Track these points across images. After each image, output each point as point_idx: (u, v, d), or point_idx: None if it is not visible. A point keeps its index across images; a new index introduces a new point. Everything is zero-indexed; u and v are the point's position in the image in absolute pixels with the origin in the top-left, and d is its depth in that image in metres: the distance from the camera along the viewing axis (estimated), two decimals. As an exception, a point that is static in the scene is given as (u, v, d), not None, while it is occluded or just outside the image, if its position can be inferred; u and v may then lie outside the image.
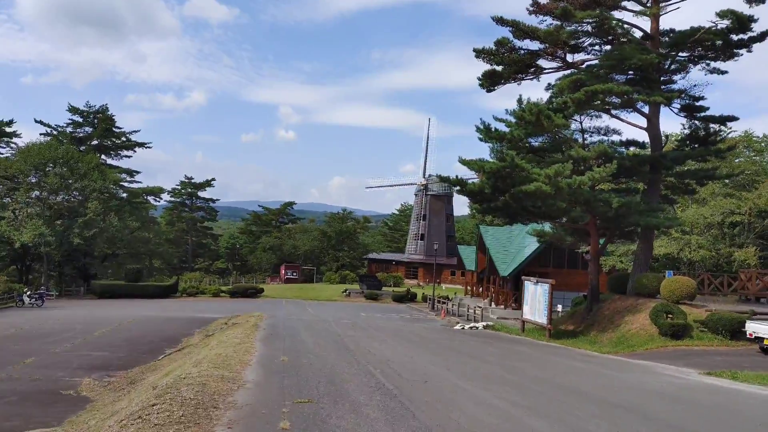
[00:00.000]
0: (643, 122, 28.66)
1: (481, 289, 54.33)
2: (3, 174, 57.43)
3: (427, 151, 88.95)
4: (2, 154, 63.82)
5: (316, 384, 11.15)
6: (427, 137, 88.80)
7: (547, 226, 34.48)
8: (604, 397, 11.62)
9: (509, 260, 44.94)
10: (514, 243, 47.77)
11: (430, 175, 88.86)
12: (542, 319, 27.57)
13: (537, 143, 29.77)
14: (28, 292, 47.97)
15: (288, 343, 18.52)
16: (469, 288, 59.34)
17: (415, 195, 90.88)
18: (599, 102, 26.06)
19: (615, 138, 29.75)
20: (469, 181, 29.57)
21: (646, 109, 28.39)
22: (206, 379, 10.77)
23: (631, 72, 26.98)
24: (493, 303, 47.16)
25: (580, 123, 28.99)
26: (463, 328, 32.10)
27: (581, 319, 29.80)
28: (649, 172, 27.98)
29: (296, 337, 20.87)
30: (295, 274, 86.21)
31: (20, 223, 56.07)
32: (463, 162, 30.48)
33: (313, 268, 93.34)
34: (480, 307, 40.83)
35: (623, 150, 29.14)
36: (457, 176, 28.82)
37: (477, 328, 32.36)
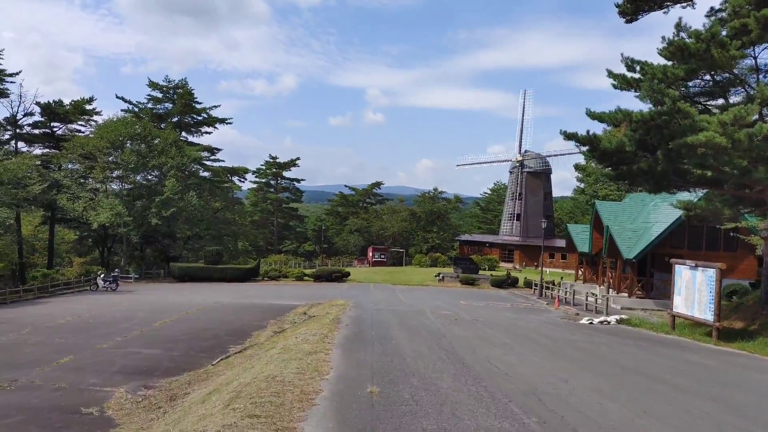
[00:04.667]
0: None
1: (594, 274, 47.50)
2: (80, 152, 55.02)
3: (522, 125, 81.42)
4: (82, 132, 61.75)
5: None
6: (523, 110, 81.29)
7: (696, 196, 27.63)
8: None
9: (634, 240, 37.99)
10: (638, 220, 40.69)
11: (526, 151, 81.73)
12: (706, 314, 21.06)
13: (695, 88, 23.13)
14: (102, 275, 45.13)
15: (377, 353, 13.17)
16: (580, 273, 52.39)
17: (510, 172, 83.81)
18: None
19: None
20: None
21: None
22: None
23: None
24: (611, 290, 40.41)
25: (754, 58, 22.04)
26: (591, 323, 25.94)
27: (752, 314, 23.05)
28: None
29: (388, 340, 15.52)
30: (383, 256, 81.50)
31: (97, 203, 53.56)
32: (593, 115, 24.18)
33: (402, 251, 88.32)
34: (595, 295, 34.51)
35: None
36: (588, 132, 22.60)
37: (608, 322, 26.11)
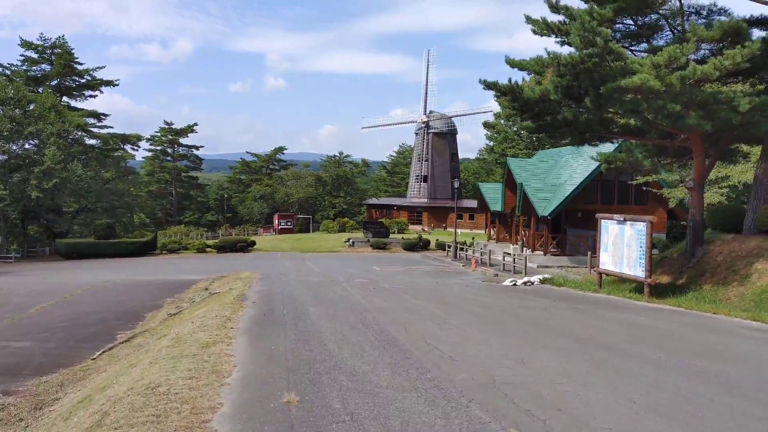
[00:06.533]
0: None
1: (507, 233, 46.82)
2: (-59, 120, 48.74)
3: (427, 85, 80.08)
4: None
5: None
6: (427, 70, 79.76)
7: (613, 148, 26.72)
8: None
9: (548, 197, 37.23)
10: (550, 177, 40.03)
11: (431, 112, 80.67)
12: (636, 270, 20.02)
13: (618, 33, 21.81)
14: (-27, 257, 40.24)
15: (292, 339, 10.90)
16: (492, 232, 51.67)
17: (416, 134, 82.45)
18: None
19: (724, 20, 21.57)
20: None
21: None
22: None
23: None
24: (526, 248, 39.72)
25: (679, 0, 20.88)
26: (515, 284, 24.63)
27: (678, 267, 22.31)
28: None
29: (303, 320, 13.26)
30: (289, 223, 78.72)
31: (-35, 176, 47.78)
32: (513, 63, 22.51)
33: (309, 217, 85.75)
34: (512, 255, 33.53)
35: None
36: (510, 80, 20.88)
37: (532, 283, 24.91)
